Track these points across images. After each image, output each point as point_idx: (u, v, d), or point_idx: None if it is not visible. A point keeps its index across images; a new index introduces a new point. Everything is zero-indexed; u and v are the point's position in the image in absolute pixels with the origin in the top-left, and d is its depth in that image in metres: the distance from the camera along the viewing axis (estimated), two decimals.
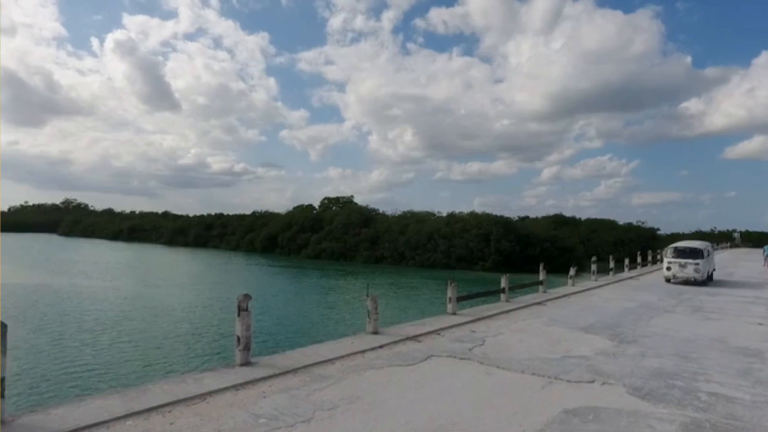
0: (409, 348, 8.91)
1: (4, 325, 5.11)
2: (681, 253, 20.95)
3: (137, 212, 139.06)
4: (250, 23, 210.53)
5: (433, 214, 72.90)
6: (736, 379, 7.52)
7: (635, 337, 10.46)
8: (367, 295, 9.90)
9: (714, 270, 23.59)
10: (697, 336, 10.68)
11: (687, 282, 20.71)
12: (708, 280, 21.67)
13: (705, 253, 20.83)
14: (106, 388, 12.11)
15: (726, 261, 38.98)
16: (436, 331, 10.27)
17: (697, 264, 20.19)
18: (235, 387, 6.40)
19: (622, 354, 8.92)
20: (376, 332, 9.68)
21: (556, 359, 8.41)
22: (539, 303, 14.95)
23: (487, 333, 10.43)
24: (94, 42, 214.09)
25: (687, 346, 9.71)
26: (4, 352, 5.04)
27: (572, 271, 19.98)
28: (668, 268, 21.00)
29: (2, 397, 5.02)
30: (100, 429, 5.11)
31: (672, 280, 21.16)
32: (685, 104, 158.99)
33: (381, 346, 8.83)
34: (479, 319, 11.93)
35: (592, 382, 7.16)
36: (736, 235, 78.91)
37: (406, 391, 6.55)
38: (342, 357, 8.02)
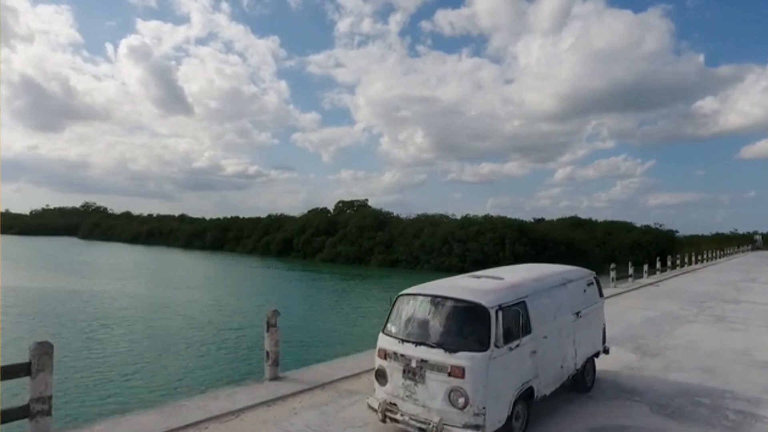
0: None
1: (51, 345, 5.35)
2: (419, 322, 5.44)
3: (154, 215, 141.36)
4: (260, 27, 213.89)
5: (447, 217, 72.95)
6: (764, 395, 7.48)
7: (658, 349, 10.42)
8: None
9: (605, 350, 7.97)
10: (721, 349, 10.59)
11: None
12: (583, 390, 7.20)
13: (495, 323, 4.94)
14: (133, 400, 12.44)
15: (741, 268, 38.10)
16: None
17: (461, 383, 4.73)
18: (267, 403, 6.57)
19: (645, 368, 8.92)
20: None
21: None
22: None
23: None
24: (109, 47, 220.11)
25: (711, 360, 9.66)
26: (51, 371, 5.28)
27: None
28: (380, 374, 5.47)
29: (50, 414, 5.25)
30: None
31: (389, 417, 5.26)
32: (699, 103, 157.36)
33: None
34: None
35: (617, 398, 7.19)
36: (757, 237, 77.39)
37: None
38: (368, 371, 8.11)
